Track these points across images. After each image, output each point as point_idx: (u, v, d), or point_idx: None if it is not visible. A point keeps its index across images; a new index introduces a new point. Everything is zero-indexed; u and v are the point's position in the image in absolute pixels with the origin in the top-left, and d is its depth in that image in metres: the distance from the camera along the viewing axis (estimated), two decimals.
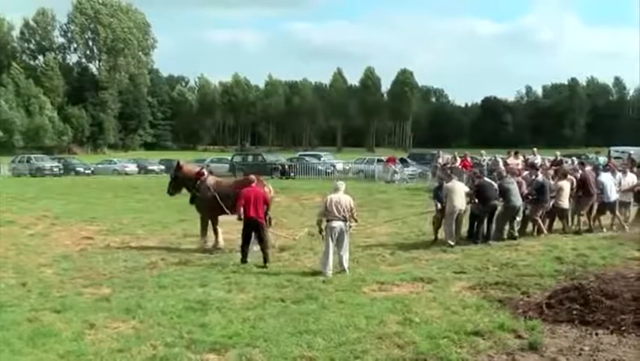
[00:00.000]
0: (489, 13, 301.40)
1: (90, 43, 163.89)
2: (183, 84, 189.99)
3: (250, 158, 66.22)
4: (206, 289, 14.34)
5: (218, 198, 19.71)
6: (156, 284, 14.92)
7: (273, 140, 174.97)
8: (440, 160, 43.93)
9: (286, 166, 60.22)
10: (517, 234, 20.53)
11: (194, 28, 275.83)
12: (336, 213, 15.83)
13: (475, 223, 20.32)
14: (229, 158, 69.67)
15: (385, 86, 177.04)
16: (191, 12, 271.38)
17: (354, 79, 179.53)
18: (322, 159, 67.97)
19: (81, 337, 10.95)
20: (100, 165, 79.03)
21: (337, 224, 15.83)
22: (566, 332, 10.80)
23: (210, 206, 19.93)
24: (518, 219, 21.00)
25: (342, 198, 16.10)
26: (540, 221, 21.11)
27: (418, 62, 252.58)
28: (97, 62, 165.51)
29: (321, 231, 16.30)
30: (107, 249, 20.32)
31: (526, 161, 35.55)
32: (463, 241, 20.07)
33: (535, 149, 38.47)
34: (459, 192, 20.03)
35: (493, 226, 20.34)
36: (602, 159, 52.26)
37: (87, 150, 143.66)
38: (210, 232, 20.26)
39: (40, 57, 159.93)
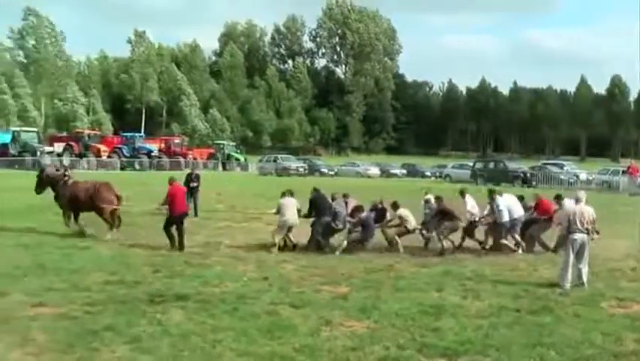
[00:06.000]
0: None
1: (337, 48, 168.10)
2: (427, 89, 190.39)
3: (492, 165, 65.51)
4: (442, 294, 14.32)
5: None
6: (393, 286, 15.05)
7: (515, 147, 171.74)
8: None
9: (528, 174, 59.16)
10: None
11: (436, 33, 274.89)
12: (579, 226, 15.36)
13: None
14: (470, 164, 69.23)
15: (632, 95, 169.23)
16: (432, 17, 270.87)
17: (598, 87, 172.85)
18: (565, 168, 66.14)
19: (317, 333, 11.22)
20: (343, 167, 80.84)
21: (579, 236, 15.34)
22: None
23: (66, 202, 22.29)
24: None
25: (584, 209, 15.61)
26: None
27: None
28: (343, 66, 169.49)
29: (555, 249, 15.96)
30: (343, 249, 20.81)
31: None
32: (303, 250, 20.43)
33: None
34: (290, 206, 20.61)
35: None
36: None
37: (331, 152, 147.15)
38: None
39: (290, 61, 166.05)
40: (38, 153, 65.42)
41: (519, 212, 21.01)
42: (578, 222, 15.31)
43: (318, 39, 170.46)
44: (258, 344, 10.51)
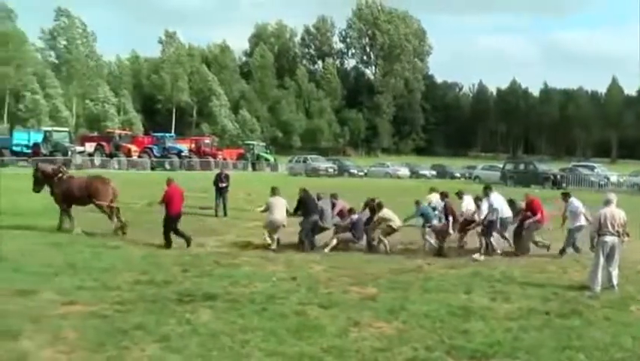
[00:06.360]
0: None
1: (367, 48, 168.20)
2: (457, 90, 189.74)
3: (522, 166, 65.12)
4: (471, 296, 14.30)
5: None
6: (421, 287, 15.04)
7: (546, 149, 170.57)
8: None
9: (558, 176, 58.83)
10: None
11: (465, 34, 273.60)
12: (610, 228, 15.23)
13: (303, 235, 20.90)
14: (500, 166, 68.95)
15: None
16: (461, 17, 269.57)
17: (630, 88, 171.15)
18: (596, 170, 65.62)
19: (345, 333, 11.24)
20: (373, 168, 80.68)
21: (610, 239, 15.20)
22: None
23: (62, 198, 22.67)
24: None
25: (615, 212, 15.47)
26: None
27: None
28: (373, 67, 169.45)
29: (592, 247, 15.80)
30: (372, 250, 20.86)
31: None
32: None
33: None
34: (280, 206, 20.90)
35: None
36: None
37: (361, 153, 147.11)
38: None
39: (320, 62, 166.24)
40: (69, 153, 66.00)
41: (508, 212, 20.98)
42: (609, 225, 15.18)
43: (347, 40, 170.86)
44: (286, 344, 10.55)
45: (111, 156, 71.35)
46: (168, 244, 19.97)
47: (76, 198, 22.62)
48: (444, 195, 21.51)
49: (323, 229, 21.52)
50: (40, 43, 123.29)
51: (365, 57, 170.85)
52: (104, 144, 73.95)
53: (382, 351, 10.33)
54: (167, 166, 72.15)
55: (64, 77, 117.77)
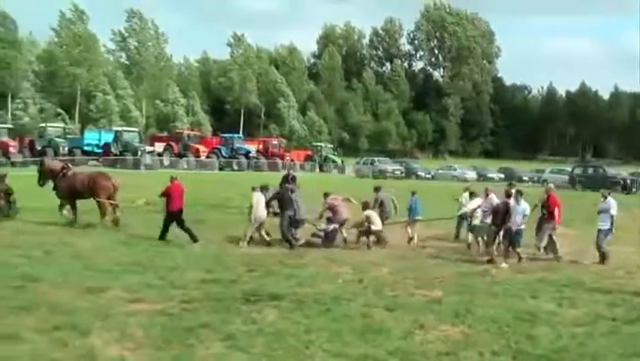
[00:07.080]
0: None
1: (435, 51, 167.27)
2: (526, 92, 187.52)
3: (590, 170, 64.18)
4: (537, 301, 14.18)
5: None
6: (487, 292, 14.98)
7: (615, 153, 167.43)
8: None
9: (628, 181, 57.83)
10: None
11: (533, 36, 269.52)
12: None
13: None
14: (569, 169, 68.04)
15: None
16: (528, 19, 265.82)
17: None
18: None
19: (410, 336, 11.24)
20: (440, 171, 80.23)
21: None
22: None
23: (64, 193, 23.55)
24: None
25: None
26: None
27: None
28: (441, 69, 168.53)
29: None
30: (440, 253, 20.77)
31: None
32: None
33: None
34: (261, 201, 21.30)
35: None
36: None
37: (428, 155, 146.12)
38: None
39: (387, 64, 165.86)
40: (139, 153, 66.91)
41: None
42: None
43: (415, 42, 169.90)
44: (350, 346, 10.58)
45: (180, 156, 72.09)
46: (163, 234, 20.59)
47: (79, 192, 23.39)
48: (508, 195, 20.97)
49: (300, 222, 21.84)
50: (111, 44, 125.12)
51: (433, 59, 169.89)
52: (172, 144, 74.60)
53: (447, 355, 10.32)
54: (235, 167, 72.83)
55: (135, 78, 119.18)
